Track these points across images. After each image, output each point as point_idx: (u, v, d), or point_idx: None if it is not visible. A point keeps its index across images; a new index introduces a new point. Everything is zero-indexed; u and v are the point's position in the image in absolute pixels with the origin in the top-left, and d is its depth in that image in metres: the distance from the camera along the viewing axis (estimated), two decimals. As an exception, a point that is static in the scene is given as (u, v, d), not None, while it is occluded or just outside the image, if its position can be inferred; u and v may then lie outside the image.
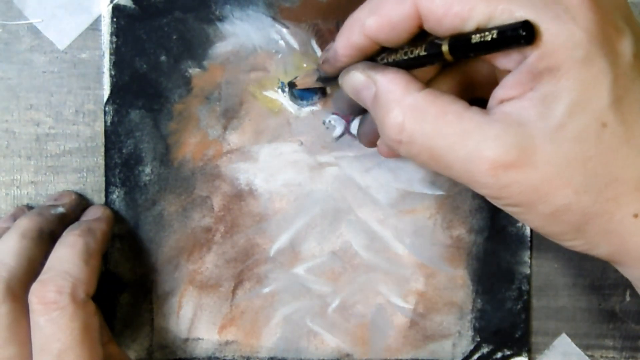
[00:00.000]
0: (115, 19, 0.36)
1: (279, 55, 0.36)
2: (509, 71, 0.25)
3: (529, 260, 0.37)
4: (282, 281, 0.37)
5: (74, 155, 0.37)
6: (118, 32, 0.36)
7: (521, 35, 0.23)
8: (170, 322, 0.37)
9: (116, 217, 0.37)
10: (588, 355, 0.38)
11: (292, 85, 0.36)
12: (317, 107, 0.37)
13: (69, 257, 0.31)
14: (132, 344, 0.37)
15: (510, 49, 0.24)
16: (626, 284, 0.38)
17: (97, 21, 0.36)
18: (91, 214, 0.36)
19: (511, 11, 0.23)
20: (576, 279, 0.38)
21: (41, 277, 0.30)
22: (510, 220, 0.37)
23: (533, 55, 0.24)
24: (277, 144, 0.37)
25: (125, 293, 0.37)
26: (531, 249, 0.37)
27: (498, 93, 0.25)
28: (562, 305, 0.38)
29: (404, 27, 0.26)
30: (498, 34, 0.23)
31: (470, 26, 0.24)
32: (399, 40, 0.27)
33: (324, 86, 0.35)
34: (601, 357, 0.38)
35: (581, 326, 0.38)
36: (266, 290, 0.37)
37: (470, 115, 0.25)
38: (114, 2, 0.36)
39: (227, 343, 0.37)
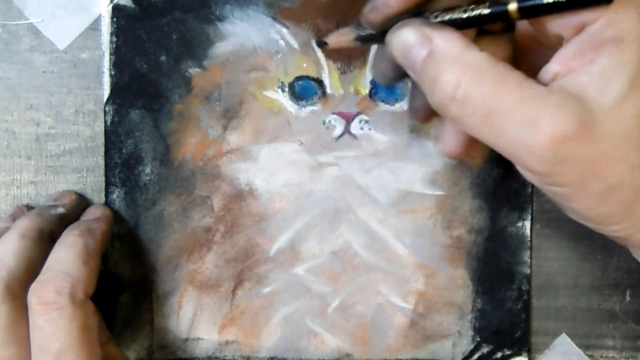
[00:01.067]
0: (115, 19, 0.36)
1: (279, 55, 0.36)
2: (559, 43, 0.24)
3: (529, 260, 0.37)
4: (282, 281, 0.37)
5: (74, 155, 0.37)
6: (118, 32, 0.36)
7: None
8: (170, 322, 0.37)
9: (116, 217, 0.37)
10: (588, 355, 0.38)
11: (321, 44, 0.32)
12: (317, 107, 0.37)
13: (68, 257, 0.31)
14: (132, 344, 0.37)
15: (585, 8, 0.23)
16: (626, 284, 0.38)
17: (97, 21, 0.36)
18: (91, 214, 0.36)
19: None
20: (576, 279, 0.38)
21: (40, 277, 0.30)
22: (510, 220, 0.37)
23: (599, 23, 0.23)
24: (277, 143, 0.37)
25: (125, 293, 0.37)
26: (531, 249, 0.37)
27: (554, 66, 0.25)
28: (562, 305, 0.38)
29: None
30: None
31: None
32: None
33: (361, 45, 0.32)
34: (601, 357, 0.38)
35: (581, 326, 0.38)
36: (266, 290, 0.37)
37: (530, 84, 0.24)
38: (114, 2, 0.36)
39: (227, 343, 0.37)
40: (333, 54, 0.36)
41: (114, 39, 0.36)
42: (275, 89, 0.37)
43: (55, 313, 0.29)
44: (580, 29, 0.24)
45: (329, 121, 0.37)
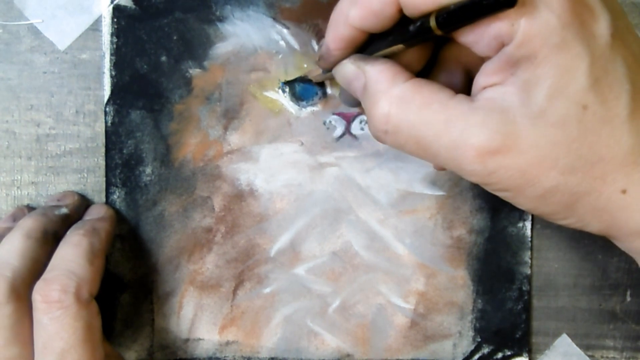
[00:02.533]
0: (115, 20, 0.36)
1: (280, 56, 0.36)
2: (489, 58, 0.26)
3: (530, 261, 0.37)
4: (282, 281, 0.37)
5: (75, 156, 0.37)
6: (118, 32, 0.36)
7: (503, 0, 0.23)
8: (171, 323, 0.37)
9: (117, 218, 0.37)
10: (588, 356, 0.38)
11: (303, 79, 0.36)
12: (317, 108, 0.37)
13: (73, 256, 0.31)
14: (133, 344, 0.37)
15: (492, 13, 0.24)
16: (627, 284, 0.38)
17: (97, 21, 0.36)
18: (94, 213, 0.36)
19: None
20: (576, 280, 0.38)
21: (45, 275, 0.30)
22: (510, 220, 0.37)
23: (512, 43, 0.24)
24: (278, 144, 0.37)
25: (126, 293, 0.37)
26: (532, 249, 0.37)
27: (480, 80, 0.26)
28: (562, 306, 0.38)
29: (385, 14, 0.26)
30: (482, 2, 0.23)
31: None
32: (383, 26, 0.27)
33: (330, 79, 0.35)
34: (602, 357, 0.38)
35: (582, 326, 0.38)
36: (267, 290, 0.37)
37: (455, 104, 0.25)
38: (115, 2, 0.36)
39: (227, 343, 0.37)
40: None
41: (115, 40, 0.36)
42: (276, 89, 0.37)
43: (60, 312, 0.29)
44: (499, 48, 0.25)
45: (330, 121, 0.37)
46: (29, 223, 0.33)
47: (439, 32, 0.25)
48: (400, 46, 0.27)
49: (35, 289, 0.30)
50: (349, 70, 0.29)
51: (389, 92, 0.26)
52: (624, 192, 0.25)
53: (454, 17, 0.24)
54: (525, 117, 0.24)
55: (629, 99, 0.25)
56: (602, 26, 0.24)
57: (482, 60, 0.28)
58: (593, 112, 0.24)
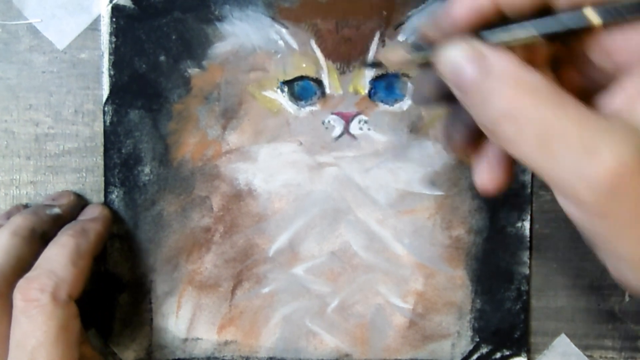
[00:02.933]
0: (114, 19, 0.36)
1: (278, 56, 0.36)
2: (612, 76, 0.24)
3: (528, 261, 0.37)
4: (281, 281, 0.37)
5: (73, 155, 0.37)
6: (117, 32, 0.36)
7: None
8: (169, 322, 0.37)
9: (115, 217, 0.37)
10: (587, 356, 0.38)
11: (374, 65, 0.32)
12: (316, 107, 0.37)
13: (57, 256, 0.31)
14: (132, 343, 0.37)
15: None
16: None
17: (96, 21, 0.36)
18: (89, 213, 0.36)
19: None
20: (575, 280, 0.38)
21: (28, 274, 0.30)
22: (509, 220, 0.37)
23: None
24: (277, 144, 0.37)
25: (125, 293, 0.37)
26: (530, 249, 0.37)
27: (614, 101, 0.24)
28: (561, 306, 0.38)
29: None
30: None
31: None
32: (522, 5, 0.25)
33: (417, 67, 0.30)
34: (600, 357, 0.38)
35: (580, 326, 0.38)
36: (265, 290, 0.37)
37: (590, 113, 0.23)
38: (114, 2, 0.36)
39: (226, 343, 0.37)
40: (332, 54, 0.36)
41: (114, 39, 0.36)
42: (275, 89, 0.37)
43: (36, 310, 0.29)
44: None
45: (328, 121, 0.37)
46: (18, 221, 0.33)
47: (598, 23, 0.23)
48: (532, 37, 0.24)
49: (17, 287, 0.30)
50: (463, 51, 0.25)
51: (521, 76, 0.24)
52: None
53: (622, 7, 0.22)
54: None
55: None
56: None
57: (604, 72, 0.26)
58: None
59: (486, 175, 0.28)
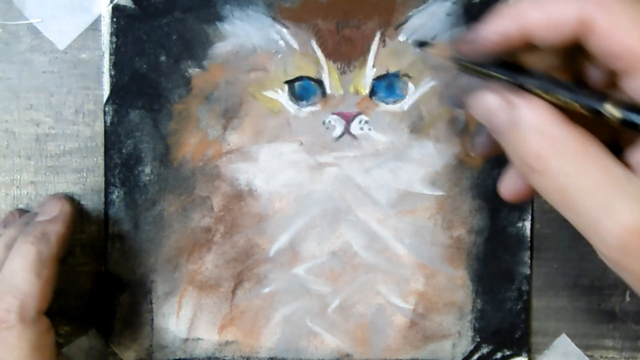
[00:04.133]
0: (115, 19, 0.36)
1: (279, 56, 0.36)
2: None
3: (529, 261, 0.37)
4: (281, 281, 0.37)
5: (74, 156, 0.37)
6: (118, 32, 0.36)
7: None
8: (170, 323, 0.37)
9: (116, 217, 0.37)
10: (588, 356, 0.38)
11: (423, 44, 0.31)
12: (316, 107, 0.37)
13: (20, 270, 0.30)
14: (132, 344, 0.37)
15: None
16: (626, 285, 0.38)
17: (97, 21, 0.36)
18: (48, 211, 0.34)
19: None
20: (576, 280, 0.38)
21: None
22: (510, 220, 0.37)
23: None
24: (277, 144, 0.37)
25: (125, 293, 0.37)
26: (531, 249, 0.37)
27: None
28: (562, 306, 0.38)
29: (562, 32, 0.24)
30: None
31: (629, 81, 0.23)
32: (552, 42, 0.25)
33: (454, 66, 0.30)
34: (601, 357, 0.38)
35: (581, 326, 0.38)
36: (266, 290, 0.37)
37: (615, 169, 0.24)
38: (114, 2, 0.36)
39: (226, 343, 0.37)
40: (333, 54, 0.36)
41: (114, 39, 0.36)
42: (275, 89, 0.37)
43: (5, 332, 0.29)
44: None
45: (329, 121, 0.37)
46: (11, 233, 0.32)
47: (616, 123, 0.24)
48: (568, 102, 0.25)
49: None
50: (495, 101, 0.26)
51: (547, 130, 0.24)
52: None
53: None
54: None
55: None
56: None
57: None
58: None
59: (511, 186, 0.29)
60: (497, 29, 0.26)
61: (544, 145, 0.24)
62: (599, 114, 0.24)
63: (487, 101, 0.26)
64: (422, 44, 0.31)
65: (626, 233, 0.23)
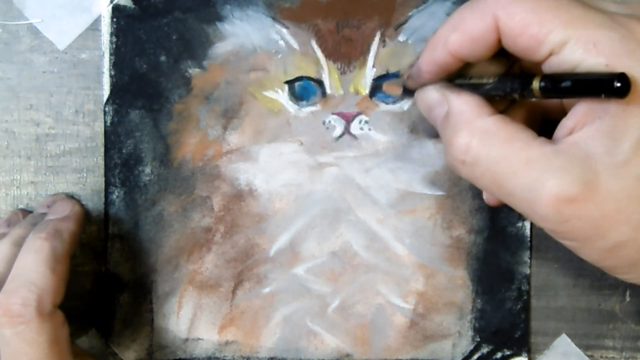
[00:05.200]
0: (115, 19, 0.36)
1: (279, 56, 0.36)
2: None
3: (529, 261, 0.37)
4: (281, 281, 0.37)
5: (74, 156, 0.37)
6: (118, 32, 0.36)
7: (616, 87, 0.23)
8: (170, 323, 0.37)
9: (116, 217, 0.37)
10: (588, 356, 0.38)
11: (376, 87, 0.36)
12: (316, 107, 0.37)
13: (34, 265, 0.30)
14: (132, 344, 0.37)
15: (600, 96, 0.24)
16: (626, 284, 0.38)
17: (97, 21, 0.36)
18: (60, 211, 0.34)
19: (588, 39, 0.24)
20: (576, 279, 0.38)
21: (6, 287, 0.29)
22: (510, 220, 0.37)
23: None
24: (277, 144, 0.37)
25: (125, 293, 0.37)
26: (531, 249, 0.37)
27: (567, 123, 0.25)
28: (561, 306, 0.38)
29: (484, 42, 0.26)
30: (592, 82, 0.24)
31: (544, 50, 0.25)
32: (480, 56, 0.27)
33: (407, 98, 0.36)
34: (601, 357, 0.38)
35: (581, 326, 0.38)
36: (266, 290, 0.37)
37: (537, 145, 0.25)
38: (114, 2, 0.36)
39: (226, 343, 0.37)
40: (333, 54, 0.36)
41: (114, 39, 0.36)
42: (275, 89, 0.37)
43: (22, 327, 0.29)
44: None
45: (329, 121, 0.37)
46: (18, 232, 0.32)
47: (538, 96, 0.25)
48: (491, 80, 0.27)
49: None
50: (433, 96, 0.29)
51: (473, 123, 0.26)
52: None
53: (559, 90, 0.25)
54: (607, 167, 0.24)
55: None
56: None
57: (558, 103, 0.27)
58: None
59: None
60: (430, 60, 0.28)
61: (471, 135, 0.26)
62: (525, 94, 0.26)
63: (427, 95, 0.29)
64: (376, 85, 0.36)
65: (557, 202, 0.24)
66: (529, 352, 0.38)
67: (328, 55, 0.36)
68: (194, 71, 0.36)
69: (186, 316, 0.37)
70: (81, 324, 0.37)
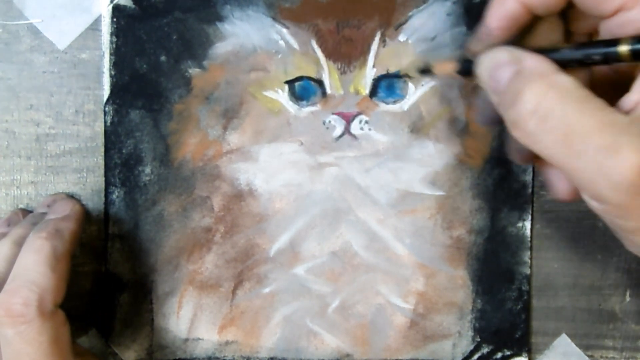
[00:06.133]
0: (115, 19, 0.36)
1: (279, 56, 0.36)
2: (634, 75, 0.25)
3: (529, 261, 0.37)
4: (282, 281, 0.37)
5: (74, 156, 0.37)
6: (118, 32, 0.36)
7: None
8: (170, 323, 0.37)
9: (116, 217, 0.37)
10: (588, 356, 0.38)
11: (425, 71, 0.33)
12: (317, 107, 0.37)
13: (35, 264, 0.30)
14: (132, 344, 0.37)
15: None
16: (626, 285, 0.38)
17: (97, 21, 0.36)
18: (60, 210, 0.34)
19: None
20: (576, 279, 0.38)
21: (7, 286, 0.29)
22: (510, 220, 0.37)
23: None
24: (277, 144, 0.37)
25: (125, 293, 0.37)
26: (531, 249, 0.37)
27: (633, 96, 0.25)
28: (562, 306, 0.38)
29: None
30: None
31: (614, 2, 0.24)
32: (551, 7, 0.26)
33: (463, 77, 0.32)
34: (601, 357, 0.38)
35: (581, 326, 0.38)
36: (266, 290, 0.37)
37: (612, 111, 0.24)
38: (114, 2, 0.36)
39: (227, 343, 0.37)
40: (333, 54, 0.36)
41: (114, 39, 0.36)
42: (275, 89, 0.37)
43: (24, 327, 0.28)
44: None
45: (329, 121, 0.37)
46: (19, 231, 0.32)
47: (628, 59, 0.25)
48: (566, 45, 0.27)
49: None
50: (502, 56, 0.27)
51: (550, 77, 0.25)
52: None
53: None
54: None
55: None
56: None
57: (613, 75, 0.27)
58: None
59: (561, 185, 0.29)
60: (501, 12, 0.27)
61: (547, 88, 0.25)
62: (609, 58, 0.25)
63: (496, 56, 0.27)
64: (423, 71, 0.33)
65: (633, 171, 0.23)
66: (529, 352, 0.38)
67: (328, 55, 0.36)
68: (194, 71, 0.36)
69: (186, 316, 0.37)
70: (81, 324, 0.37)
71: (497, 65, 0.27)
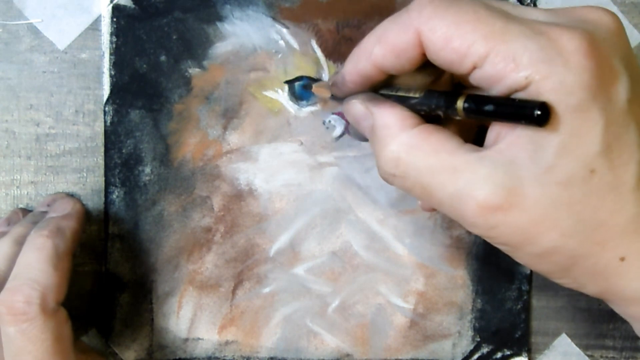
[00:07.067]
0: (115, 19, 0.36)
1: (279, 56, 0.36)
2: None
3: (529, 261, 0.37)
4: (282, 281, 0.37)
5: (74, 156, 0.37)
6: (118, 32, 0.36)
7: (536, 116, 0.23)
8: (170, 322, 0.37)
9: (116, 217, 0.37)
10: (588, 356, 0.38)
11: (306, 87, 0.36)
12: (316, 107, 0.37)
13: (37, 262, 0.30)
14: (132, 344, 0.37)
15: (520, 123, 0.24)
16: (626, 284, 0.38)
17: (97, 21, 0.36)
18: (61, 209, 0.34)
19: (507, 54, 0.24)
20: (576, 279, 0.38)
21: (9, 284, 0.29)
22: (510, 220, 0.37)
23: (523, 95, 0.24)
24: (277, 144, 0.37)
25: (125, 293, 0.37)
26: (531, 249, 0.37)
27: (494, 129, 0.26)
28: (562, 305, 0.38)
29: (408, 56, 0.26)
30: (514, 107, 0.24)
31: (467, 63, 0.25)
32: (404, 69, 0.27)
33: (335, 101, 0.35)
34: (601, 357, 0.38)
35: (581, 326, 0.38)
36: (266, 290, 0.37)
37: (463, 153, 0.25)
38: (114, 2, 0.36)
39: (227, 343, 0.37)
40: (333, 54, 0.36)
41: (114, 39, 0.36)
42: (275, 89, 0.37)
43: (26, 324, 0.28)
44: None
45: (329, 121, 0.37)
46: (19, 230, 0.32)
47: (462, 116, 0.25)
48: (417, 95, 0.27)
49: (0, 300, 0.29)
50: (358, 109, 0.29)
51: (398, 137, 0.26)
52: (622, 259, 0.25)
53: (482, 112, 0.25)
54: (532, 174, 0.24)
55: (637, 168, 0.24)
56: (621, 90, 0.24)
57: None
58: (600, 177, 0.24)
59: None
60: (354, 71, 0.28)
61: (398, 149, 0.26)
62: (449, 113, 0.26)
63: (354, 109, 0.29)
64: (305, 87, 0.36)
65: (483, 211, 0.24)
66: (529, 352, 0.38)
67: (328, 55, 0.36)
68: (194, 71, 0.36)
69: (186, 316, 0.37)
70: (81, 323, 0.37)
71: (357, 119, 0.29)
